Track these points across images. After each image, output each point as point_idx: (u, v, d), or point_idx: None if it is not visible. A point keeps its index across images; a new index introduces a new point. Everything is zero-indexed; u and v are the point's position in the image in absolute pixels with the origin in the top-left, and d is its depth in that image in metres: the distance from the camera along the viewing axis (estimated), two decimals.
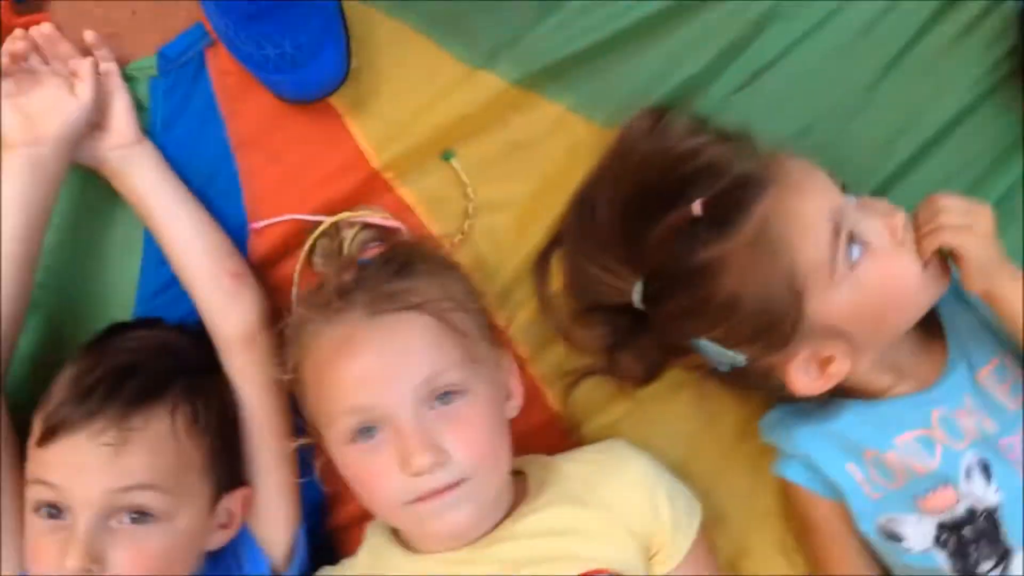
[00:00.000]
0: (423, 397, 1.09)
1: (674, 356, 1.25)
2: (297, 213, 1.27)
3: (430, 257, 1.21)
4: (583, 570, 1.11)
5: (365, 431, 1.10)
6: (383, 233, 1.24)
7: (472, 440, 1.09)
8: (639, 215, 1.15)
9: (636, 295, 1.18)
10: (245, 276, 1.23)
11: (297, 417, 1.23)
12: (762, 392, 1.25)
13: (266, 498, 1.21)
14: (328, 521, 1.32)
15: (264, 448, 1.21)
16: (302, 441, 1.19)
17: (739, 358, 1.16)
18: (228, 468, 1.19)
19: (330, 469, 1.20)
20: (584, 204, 1.22)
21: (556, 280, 1.27)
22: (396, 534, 1.20)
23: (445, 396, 1.10)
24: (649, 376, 1.26)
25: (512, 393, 1.20)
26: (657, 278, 1.16)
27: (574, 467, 1.21)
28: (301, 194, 1.28)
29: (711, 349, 1.16)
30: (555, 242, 1.27)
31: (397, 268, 1.16)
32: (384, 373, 1.09)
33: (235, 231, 1.28)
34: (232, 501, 1.19)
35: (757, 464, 1.30)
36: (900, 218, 1.14)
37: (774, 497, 1.30)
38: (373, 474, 1.10)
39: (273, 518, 1.21)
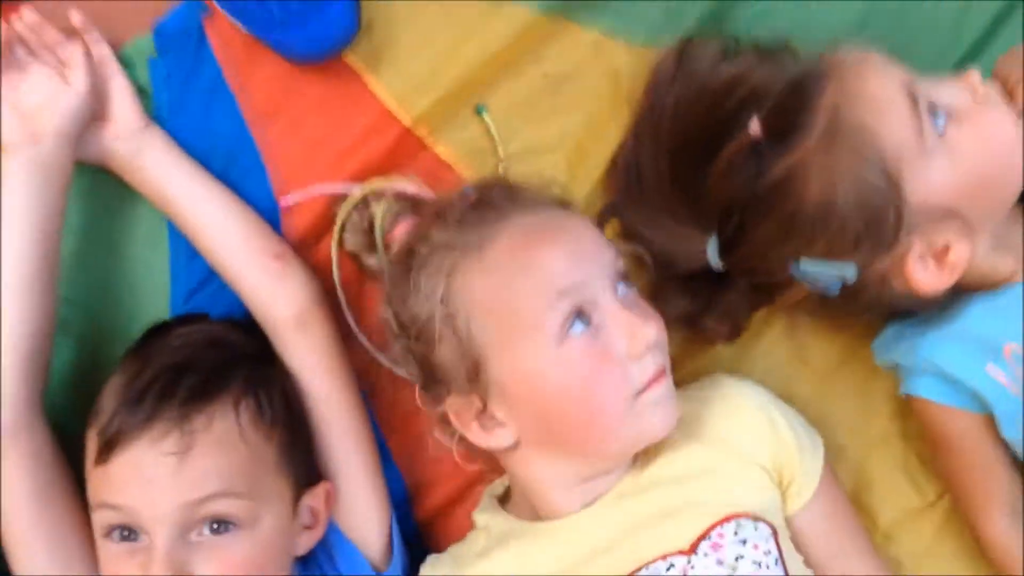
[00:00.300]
0: (615, 276, 1.07)
1: (767, 299, 1.21)
2: (326, 185, 1.23)
3: None
4: (718, 517, 1.07)
5: (578, 317, 1.04)
6: (414, 202, 1.20)
7: (660, 322, 1.09)
8: (691, 166, 1.12)
9: (712, 252, 1.15)
10: (288, 255, 1.18)
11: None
12: (875, 310, 1.20)
13: (350, 491, 1.17)
14: (414, 515, 1.27)
15: (338, 436, 1.17)
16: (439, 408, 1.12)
17: (848, 270, 1.11)
18: (303, 463, 1.14)
19: (416, 454, 1.18)
20: (628, 172, 1.19)
21: None
22: (510, 509, 1.16)
23: (624, 280, 1.09)
24: (736, 332, 1.22)
25: None
26: (731, 220, 1.12)
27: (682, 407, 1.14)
28: (331, 164, 1.23)
29: (814, 270, 1.11)
30: (605, 214, 1.23)
31: (514, 187, 1.14)
32: (585, 251, 1.07)
33: (267, 214, 1.23)
34: (313, 498, 1.14)
35: (864, 389, 1.27)
36: (975, 75, 1.12)
37: (889, 420, 1.27)
38: (599, 363, 1.04)
39: (362, 512, 1.17)
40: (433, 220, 1.11)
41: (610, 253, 1.08)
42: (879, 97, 1.08)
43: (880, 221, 1.07)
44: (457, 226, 1.09)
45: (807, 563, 1.13)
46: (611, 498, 1.10)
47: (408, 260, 1.10)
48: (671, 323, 1.18)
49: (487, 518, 1.16)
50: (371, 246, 1.20)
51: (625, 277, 1.08)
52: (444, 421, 1.11)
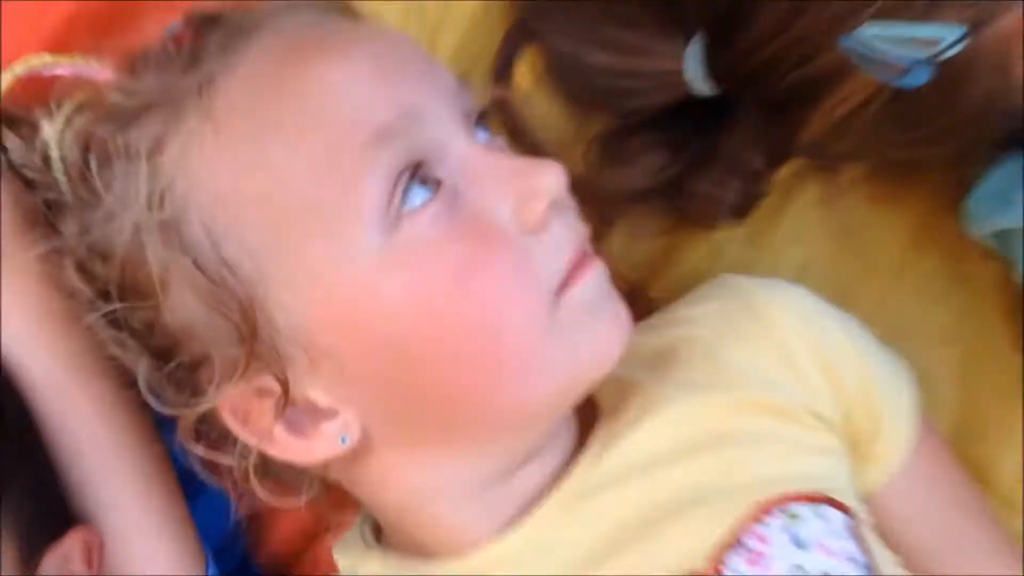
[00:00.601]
0: (465, 113, 0.73)
1: (791, 134, 0.90)
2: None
3: None
4: (753, 506, 0.75)
5: (413, 178, 0.68)
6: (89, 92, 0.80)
7: (561, 169, 0.75)
8: None
9: (693, 66, 0.89)
10: None
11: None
12: (978, 135, 0.90)
13: (125, 539, 0.87)
14: (255, 557, 0.99)
15: (93, 454, 0.87)
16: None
17: (944, 32, 0.79)
18: (38, 504, 0.84)
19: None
20: None
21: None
22: (390, 541, 0.81)
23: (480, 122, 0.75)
24: (748, 202, 0.96)
25: None
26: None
27: (667, 337, 0.83)
28: None
29: (887, 42, 0.81)
30: (517, 38, 1.00)
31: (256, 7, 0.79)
32: (401, 67, 0.72)
33: None
34: (63, 559, 0.83)
35: (953, 282, 1.00)
36: None
37: (1000, 324, 1.00)
38: (473, 247, 0.69)
39: (148, 568, 0.87)
40: (115, 79, 0.75)
41: (447, 75, 0.76)
42: None
43: None
44: (159, 74, 0.72)
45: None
46: (556, 504, 0.76)
47: (83, 160, 0.73)
48: (641, 199, 0.95)
49: (354, 559, 0.81)
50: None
51: (481, 117, 0.76)
52: (218, 433, 0.73)
